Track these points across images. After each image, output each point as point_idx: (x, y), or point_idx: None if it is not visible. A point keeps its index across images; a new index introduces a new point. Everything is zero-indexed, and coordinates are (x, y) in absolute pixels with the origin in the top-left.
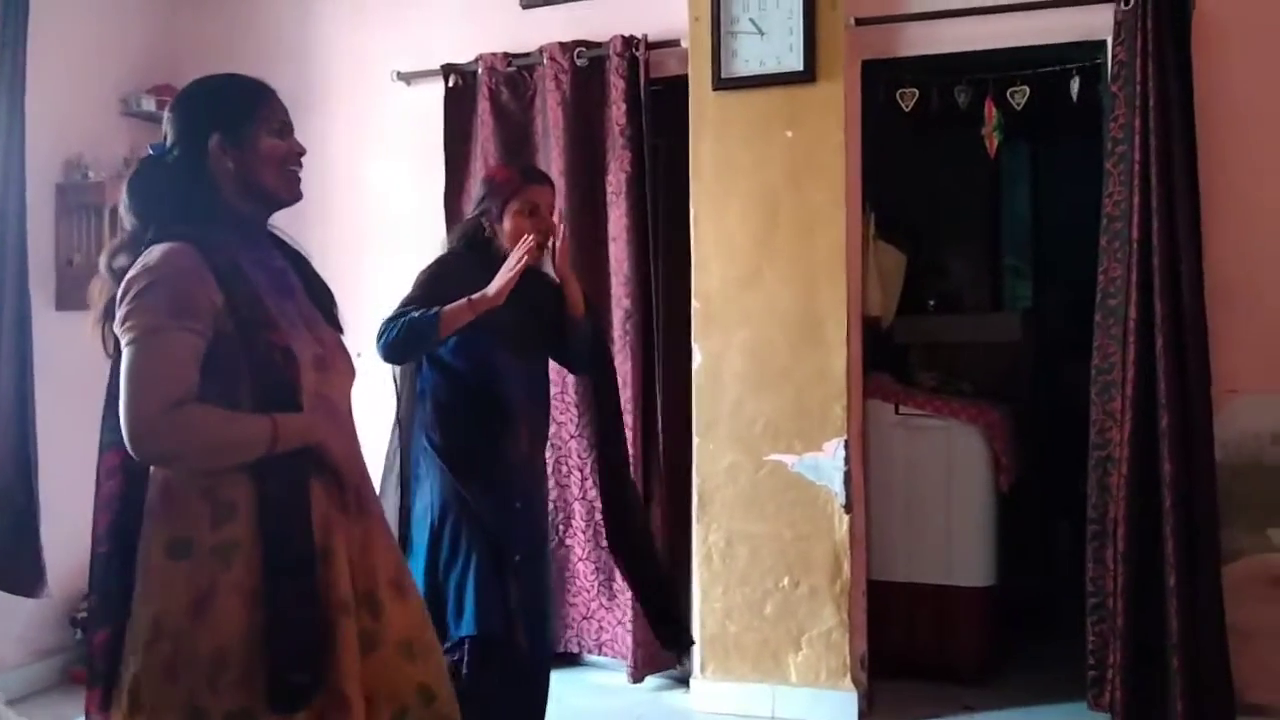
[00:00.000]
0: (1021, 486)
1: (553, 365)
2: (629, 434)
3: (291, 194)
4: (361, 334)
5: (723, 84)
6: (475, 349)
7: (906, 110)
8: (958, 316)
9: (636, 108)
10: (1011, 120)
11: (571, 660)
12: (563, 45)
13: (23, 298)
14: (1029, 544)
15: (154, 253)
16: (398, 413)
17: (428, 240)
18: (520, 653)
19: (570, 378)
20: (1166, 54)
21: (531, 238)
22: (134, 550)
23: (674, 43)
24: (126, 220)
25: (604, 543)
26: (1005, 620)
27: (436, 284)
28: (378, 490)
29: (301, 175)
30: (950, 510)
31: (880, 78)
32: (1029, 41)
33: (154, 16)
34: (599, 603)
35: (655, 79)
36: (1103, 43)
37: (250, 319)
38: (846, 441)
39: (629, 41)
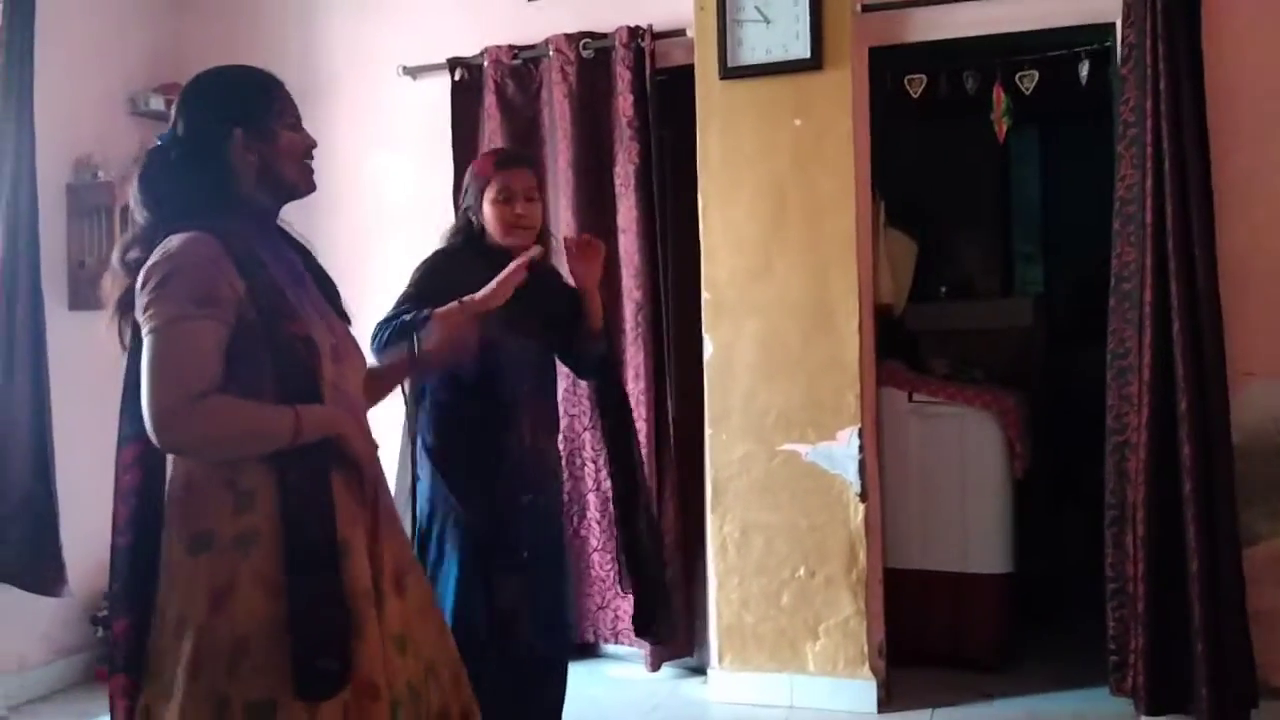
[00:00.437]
0: (1035, 472)
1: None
2: (642, 425)
3: (309, 186)
4: (368, 329)
5: (729, 73)
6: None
7: (915, 96)
8: (969, 303)
9: (643, 98)
10: (1020, 105)
11: (588, 650)
12: (568, 37)
13: (36, 298)
14: (1044, 530)
15: (173, 241)
16: (406, 414)
17: (435, 235)
18: (519, 651)
19: None
20: (1177, 35)
21: (528, 255)
22: (153, 540)
23: (680, 32)
24: (138, 213)
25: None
26: (1022, 607)
27: (431, 280)
28: (393, 493)
29: (314, 164)
30: (965, 497)
31: (888, 64)
32: (1037, 25)
33: (160, 15)
34: (615, 592)
35: (661, 69)
36: (1111, 25)
37: (271, 308)
38: (860, 430)
39: (634, 32)
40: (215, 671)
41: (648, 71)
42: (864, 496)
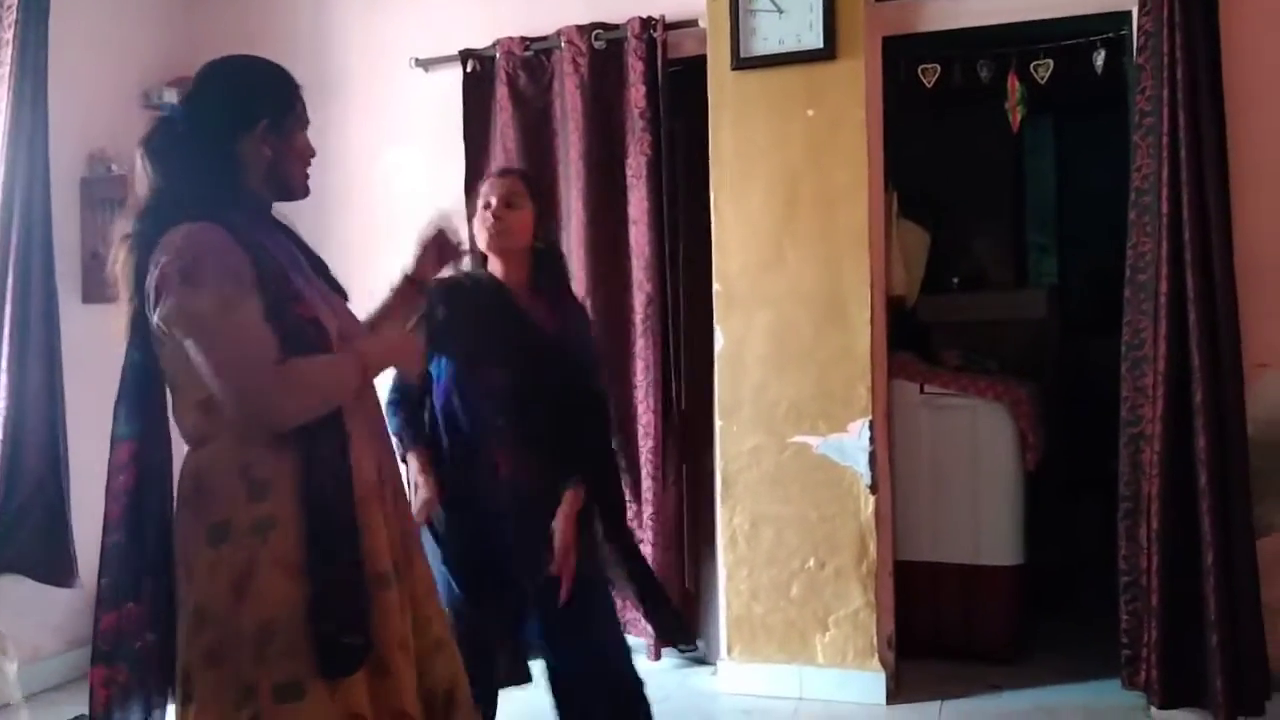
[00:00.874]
0: (1047, 464)
1: None
2: (649, 417)
3: (305, 192)
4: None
5: (742, 63)
6: (439, 374)
7: (928, 86)
8: (982, 294)
9: (655, 89)
10: (1035, 94)
11: None
12: (580, 28)
13: (50, 291)
14: (1057, 522)
15: (179, 234)
16: None
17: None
18: (510, 679)
19: None
20: (1194, 23)
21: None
22: (143, 536)
23: (692, 23)
24: (141, 184)
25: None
26: (1032, 599)
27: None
28: None
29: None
30: (977, 489)
31: (901, 54)
32: (1052, 14)
33: (173, 9)
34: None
35: (674, 60)
36: (1127, 13)
37: (279, 294)
38: (871, 422)
39: (646, 23)
40: (239, 659)
41: (660, 62)
42: (874, 488)
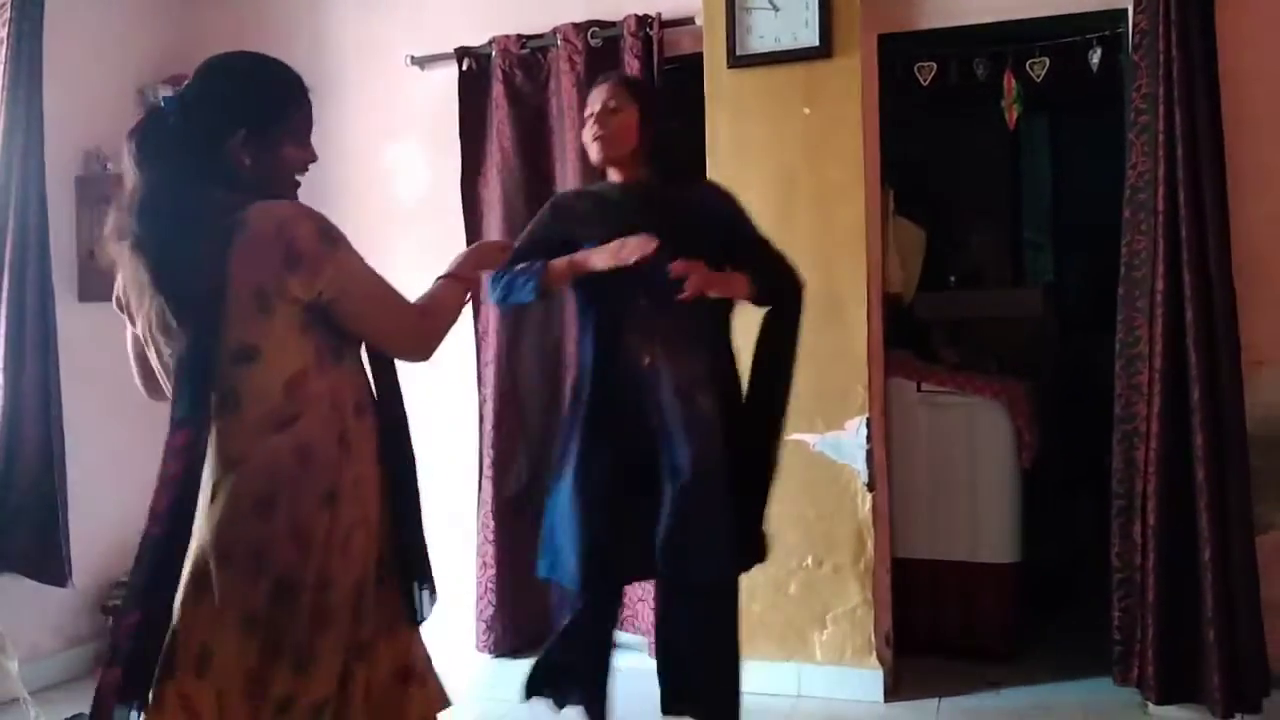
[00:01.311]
0: (1044, 462)
1: None
2: None
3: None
4: None
5: (738, 61)
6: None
7: (924, 84)
8: (979, 292)
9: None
10: (1031, 92)
11: None
12: (576, 26)
13: (45, 289)
14: (1052, 520)
15: (275, 210)
16: None
17: (445, 225)
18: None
19: None
20: (1189, 21)
21: (646, 249)
22: (185, 536)
23: (688, 20)
24: (129, 174)
25: None
26: (1029, 596)
27: (547, 223)
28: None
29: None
30: (974, 487)
31: (897, 52)
32: (1048, 11)
33: (169, 7)
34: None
35: (670, 58)
36: (1123, 11)
37: None
38: (868, 420)
39: (643, 20)
40: (344, 619)
41: (656, 60)
42: (872, 486)
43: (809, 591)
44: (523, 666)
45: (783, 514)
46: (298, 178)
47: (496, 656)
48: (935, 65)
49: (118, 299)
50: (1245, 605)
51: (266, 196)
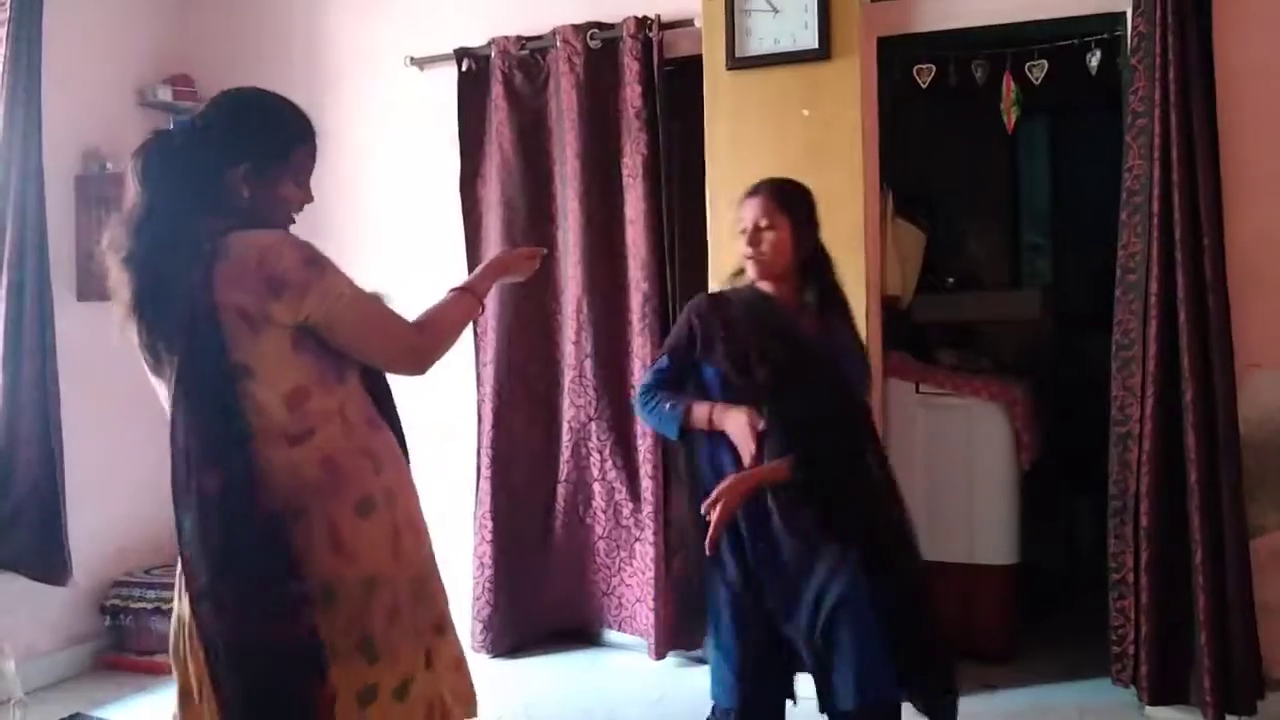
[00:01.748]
0: (1043, 463)
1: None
2: None
3: None
4: None
5: (737, 63)
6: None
7: (923, 86)
8: (977, 294)
9: (651, 89)
10: (1030, 95)
11: (592, 639)
12: (575, 27)
13: (44, 290)
14: (1051, 521)
15: (259, 240)
16: None
17: (443, 227)
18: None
19: (589, 364)
20: (1187, 25)
21: (752, 426)
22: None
23: (687, 22)
24: (131, 193)
25: (624, 521)
26: (1027, 597)
27: (683, 330)
28: None
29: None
30: (971, 489)
31: (896, 54)
32: (1046, 14)
33: (168, 7)
34: (620, 580)
35: (669, 59)
36: (1122, 14)
37: None
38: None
39: (642, 22)
40: (410, 607)
41: (655, 62)
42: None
43: None
44: (520, 666)
45: None
46: (292, 215)
47: (493, 657)
48: (934, 68)
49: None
50: (1238, 608)
51: (255, 226)
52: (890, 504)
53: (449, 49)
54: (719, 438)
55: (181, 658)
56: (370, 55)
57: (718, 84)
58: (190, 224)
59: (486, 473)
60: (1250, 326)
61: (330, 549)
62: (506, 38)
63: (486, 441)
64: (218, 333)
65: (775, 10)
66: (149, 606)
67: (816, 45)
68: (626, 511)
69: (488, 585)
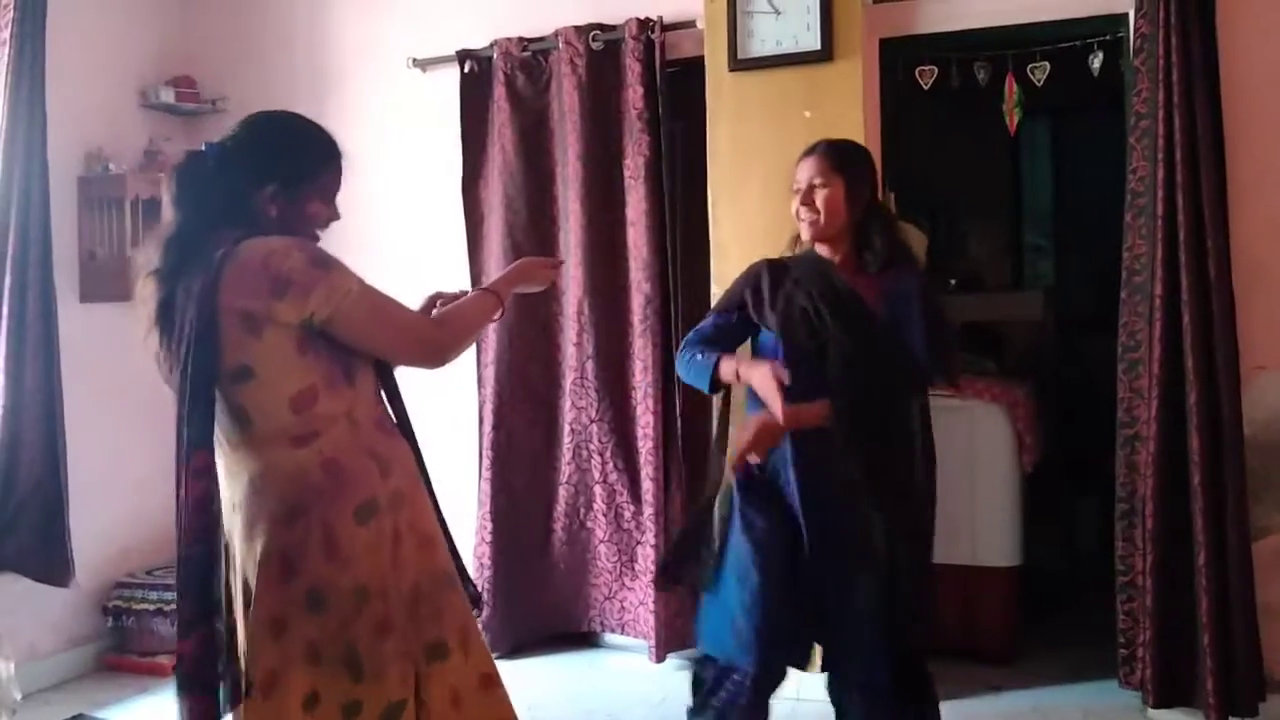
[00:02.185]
0: (1045, 465)
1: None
2: (649, 419)
3: None
4: None
5: (739, 65)
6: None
7: (925, 88)
8: (979, 295)
9: (653, 90)
10: (1032, 96)
11: (593, 641)
12: (578, 29)
13: (48, 290)
14: (1053, 523)
15: (267, 243)
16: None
17: (445, 227)
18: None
19: (590, 365)
20: (1190, 26)
21: (779, 376)
22: (220, 550)
23: (689, 24)
24: (168, 211)
25: (625, 524)
26: (1031, 599)
27: (737, 288)
28: None
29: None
30: (974, 491)
31: (898, 56)
32: (1049, 16)
33: (170, 8)
34: (621, 583)
35: (671, 61)
36: (1124, 16)
37: None
38: None
39: (644, 24)
40: (404, 623)
41: (658, 63)
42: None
43: None
44: (521, 667)
45: None
46: (318, 232)
47: (495, 658)
48: (936, 69)
49: None
50: (1240, 609)
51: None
52: (924, 503)
53: (451, 50)
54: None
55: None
56: (373, 56)
57: (720, 85)
58: (214, 238)
59: (487, 474)
60: (1255, 328)
61: (324, 555)
62: (509, 39)
63: (487, 443)
64: (216, 335)
65: (777, 12)
66: (151, 608)
67: (819, 47)
68: (628, 515)
69: (487, 586)
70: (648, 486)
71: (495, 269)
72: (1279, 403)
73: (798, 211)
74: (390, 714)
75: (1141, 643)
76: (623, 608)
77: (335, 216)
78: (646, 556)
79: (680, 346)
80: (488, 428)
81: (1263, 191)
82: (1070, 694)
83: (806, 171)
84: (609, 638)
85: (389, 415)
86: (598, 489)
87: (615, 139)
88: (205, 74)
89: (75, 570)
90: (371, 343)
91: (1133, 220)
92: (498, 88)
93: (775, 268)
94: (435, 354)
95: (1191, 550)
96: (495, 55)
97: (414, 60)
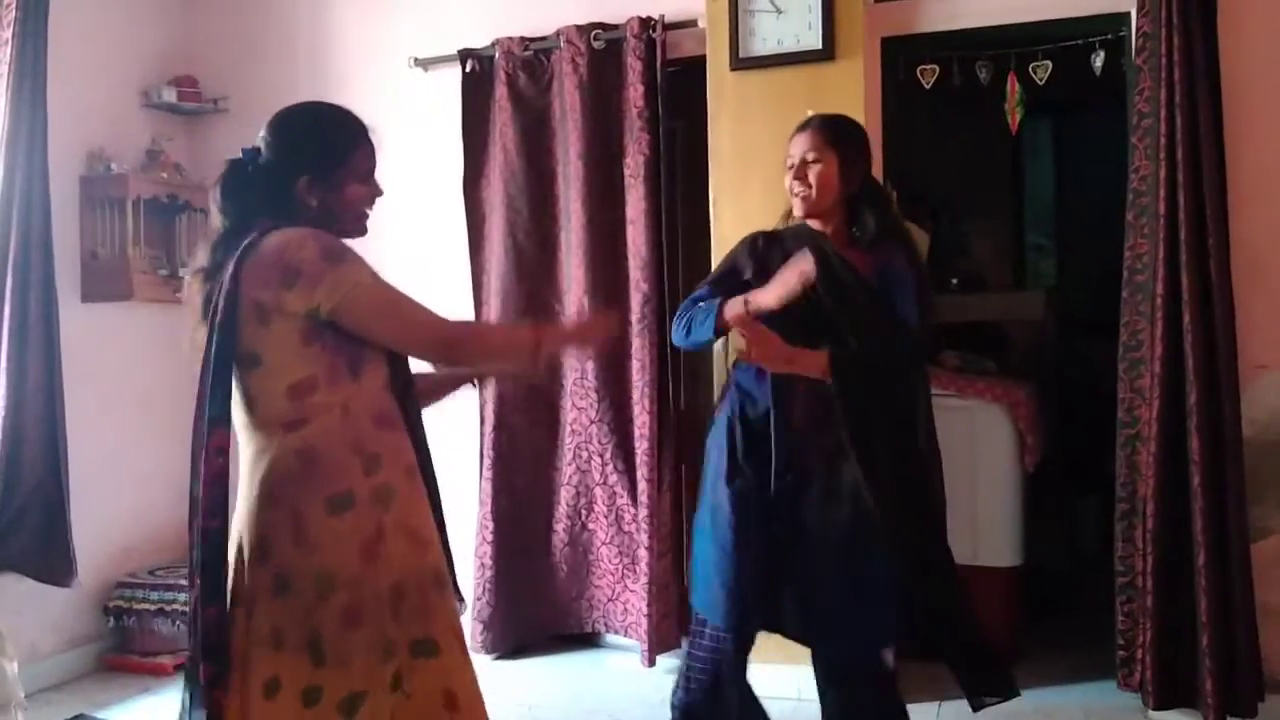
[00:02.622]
0: (1046, 465)
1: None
2: (646, 418)
3: (358, 233)
4: None
5: (741, 64)
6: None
7: (927, 87)
8: (981, 295)
9: (653, 89)
10: (1034, 95)
11: (594, 642)
12: (579, 28)
13: (49, 290)
14: (1055, 523)
15: (284, 234)
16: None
17: (446, 227)
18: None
19: (591, 366)
20: (1192, 25)
21: (804, 269)
22: (228, 522)
23: (691, 23)
24: (215, 219)
25: (626, 526)
26: (1032, 600)
27: (732, 260)
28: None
29: (370, 213)
30: (975, 491)
31: (900, 54)
32: (1051, 15)
33: (172, 8)
34: (624, 585)
35: (673, 60)
36: (1126, 15)
37: None
38: None
39: (646, 23)
40: (379, 617)
41: (659, 62)
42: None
43: None
44: (522, 667)
45: None
46: (365, 210)
47: (495, 658)
48: (938, 68)
49: None
50: (1240, 610)
51: (340, 230)
52: (932, 476)
53: (453, 50)
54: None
55: None
56: (375, 56)
57: (721, 84)
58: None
59: (488, 473)
60: (1256, 328)
61: (292, 540)
62: (510, 39)
63: (489, 442)
64: (235, 321)
65: (779, 11)
66: (152, 608)
67: (820, 46)
68: (629, 517)
69: (488, 585)
70: (644, 488)
71: (496, 268)
72: (1279, 403)
73: (791, 186)
74: (350, 703)
75: (1141, 644)
76: (625, 610)
77: (377, 193)
78: (643, 558)
79: (675, 316)
80: (489, 427)
81: (1264, 191)
82: (1071, 694)
83: (800, 146)
84: (611, 638)
85: (395, 412)
86: (598, 490)
87: (616, 138)
88: (207, 73)
89: (76, 570)
90: (378, 335)
91: (1134, 219)
92: (499, 87)
93: (769, 237)
94: (441, 352)
95: (1191, 551)
96: (497, 54)
97: (416, 59)
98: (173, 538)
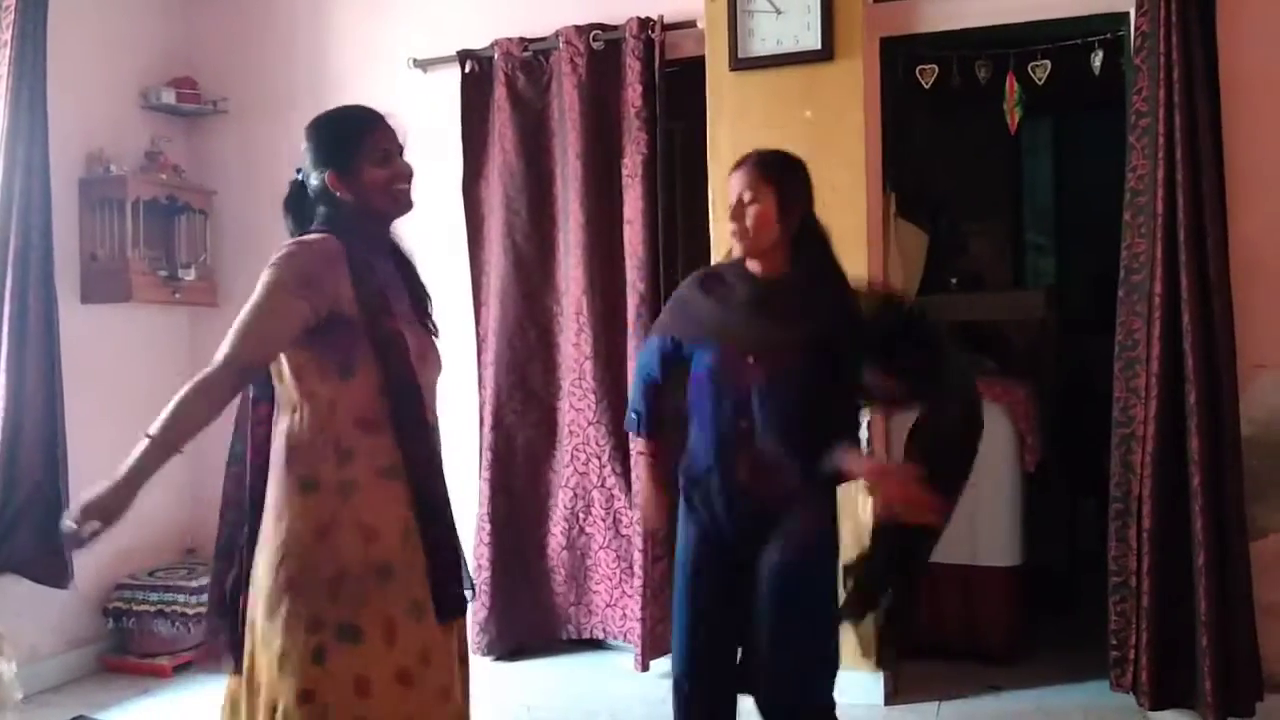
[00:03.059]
0: (1046, 465)
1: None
2: None
3: (400, 209)
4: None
5: (740, 64)
6: (697, 363)
7: (926, 87)
8: (980, 294)
9: (652, 90)
10: (1033, 95)
11: (597, 645)
12: (578, 28)
13: (49, 291)
14: (1055, 522)
15: (308, 235)
16: None
17: (446, 227)
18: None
19: (589, 366)
20: (1190, 24)
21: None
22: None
23: (690, 24)
24: (287, 231)
25: (624, 530)
26: (1031, 599)
27: (672, 313)
28: None
29: (408, 188)
30: (975, 490)
31: (899, 54)
32: (1049, 15)
33: (172, 9)
34: (621, 590)
35: (671, 60)
36: (1125, 14)
37: (375, 307)
38: (869, 422)
39: (645, 23)
40: (316, 593)
41: (657, 63)
42: (872, 490)
43: None
44: (521, 668)
45: None
46: (399, 187)
47: (492, 659)
48: (937, 68)
49: None
50: (1239, 610)
51: (379, 217)
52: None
53: (452, 51)
54: (703, 385)
55: None
56: (374, 57)
57: (720, 85)
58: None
59: (486, 474)
60: (1255, 327)
61: (274, 507)
62: (509, 39)
63: (487, 443)
64: None
65: (778, 11)
66: (151, 609)
67: (819, 46)
68: (627, 520)
69: (485, 587)
70: (638, 489)
71: (495, 268)
72: (1279, 403)
73: (729, 227)
74: (280, 661)
75: (1133, 645)
76: (625, 615)
77: (403, 170)
78: (638, 562)
79: (639, 351)
80: (487, 428)
81: (1263, 190)
82: (1071, 694)
83: (738, 184)
84: (610, 640)
85: (382, 416)
86: (596, 493)
87: (615, 138)
88: (206, 75)
89: (75, 572)
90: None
91: (1132, 219)
92: (498, 88)
93: (707, 278)
94: (221, 372)
95: (1190, 551)
96: (496, 55)
97: (415, 61)
98: (171, 540)
